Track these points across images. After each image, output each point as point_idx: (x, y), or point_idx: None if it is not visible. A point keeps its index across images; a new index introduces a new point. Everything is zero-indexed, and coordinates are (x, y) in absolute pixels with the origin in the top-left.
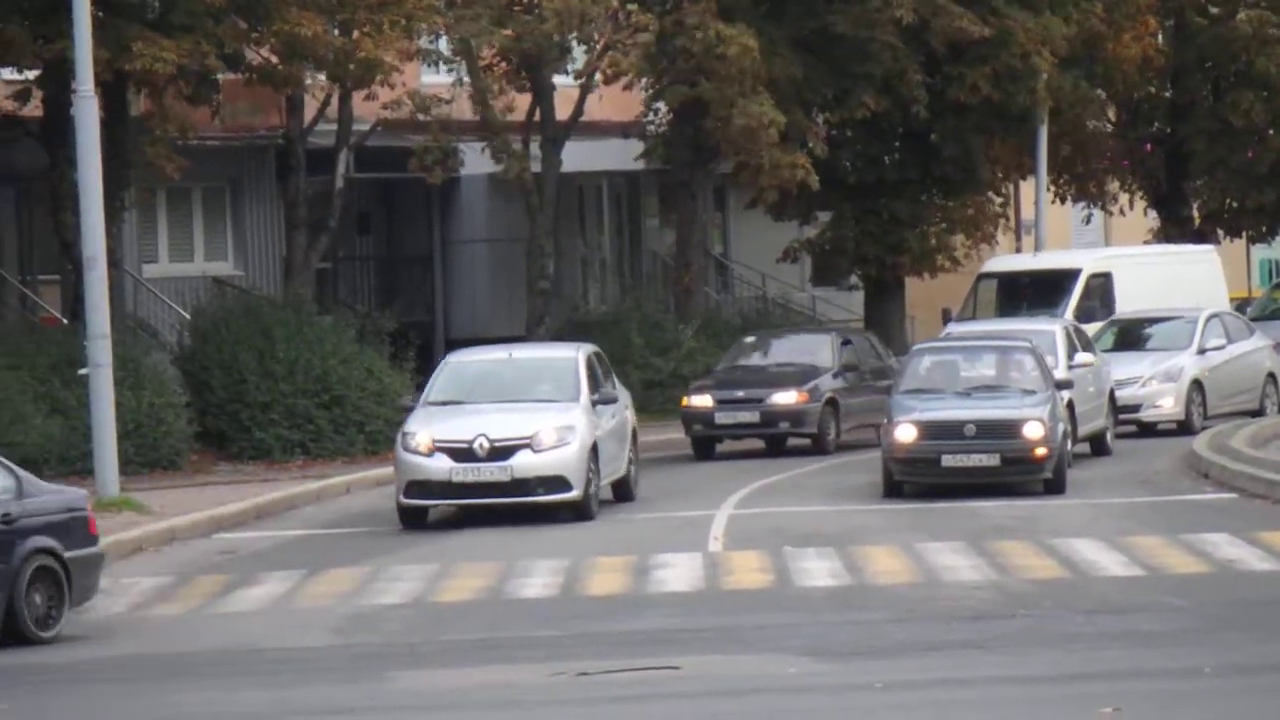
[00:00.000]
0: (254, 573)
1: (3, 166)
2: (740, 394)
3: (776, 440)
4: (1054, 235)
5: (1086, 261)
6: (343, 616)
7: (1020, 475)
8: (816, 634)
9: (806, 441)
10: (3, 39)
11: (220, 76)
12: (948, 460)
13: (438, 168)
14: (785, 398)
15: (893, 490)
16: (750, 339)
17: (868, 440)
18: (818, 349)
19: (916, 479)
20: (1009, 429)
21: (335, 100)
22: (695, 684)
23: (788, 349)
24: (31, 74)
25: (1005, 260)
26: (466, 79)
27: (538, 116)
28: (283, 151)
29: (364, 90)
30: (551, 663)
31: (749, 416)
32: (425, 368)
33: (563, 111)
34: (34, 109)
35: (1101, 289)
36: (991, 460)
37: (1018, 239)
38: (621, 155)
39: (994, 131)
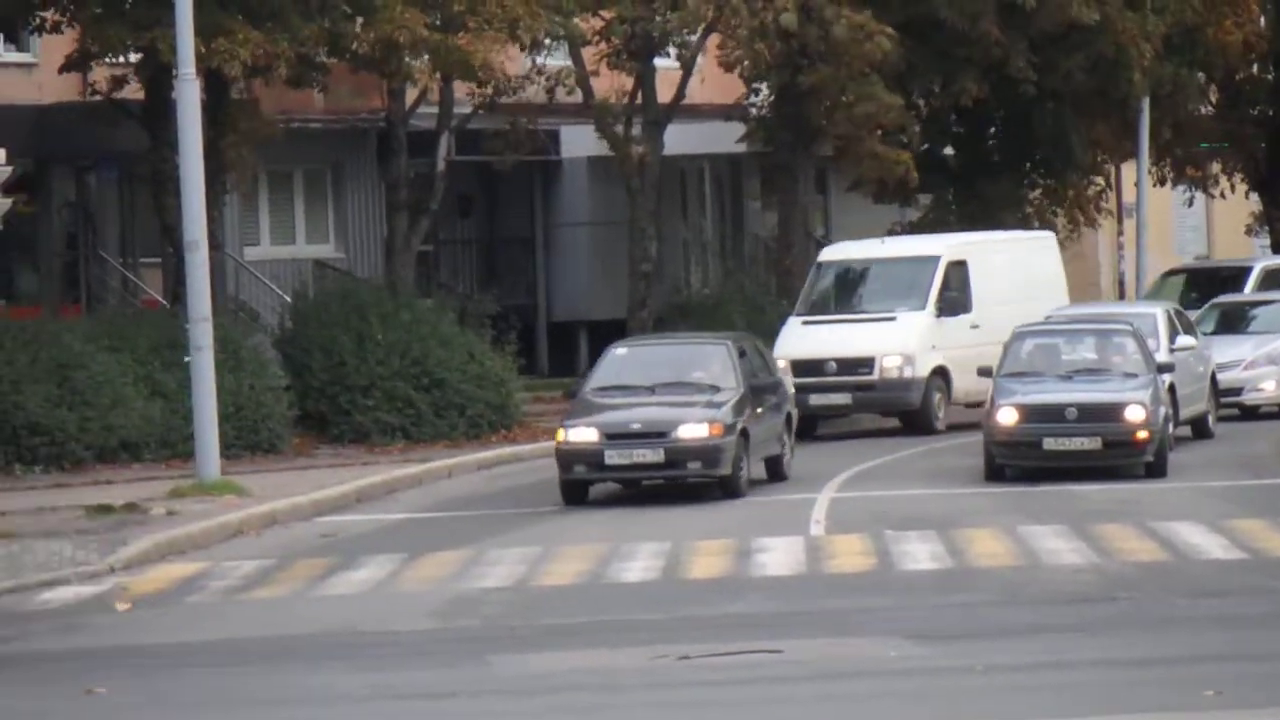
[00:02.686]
0: (355, 556)
1: (105, 148)
2: (636, 426)
3: (635, 482)
4: (1155, 218)
5: (943, 248)
6: (443, 600)
7: (1122, 459)
8: (918, 617)
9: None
10: (100, 32)
11: (324, 60)
12: (1049, 443)
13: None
14: (695, 431)
15: (994, 473)
16: (621, 350)
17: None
18: (710, 363)
19: (1018, 462)
20: (1110, 412)
21: (438, 84)
22: (797, 667)
23: (673, 363)
24: (131, 57)
25: (846, 247)
26: (569, 61)
27: (640, 99)
28: (384, 134)
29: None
30: (653, 646)
31: (649, 455)
32: (527, 351)
33: (664, 94)
34: (135, 90)
35: (960, 278)
36: (1093, 444)
37: (1119, 222)
38: (723, 138)
39: (1094, 114)
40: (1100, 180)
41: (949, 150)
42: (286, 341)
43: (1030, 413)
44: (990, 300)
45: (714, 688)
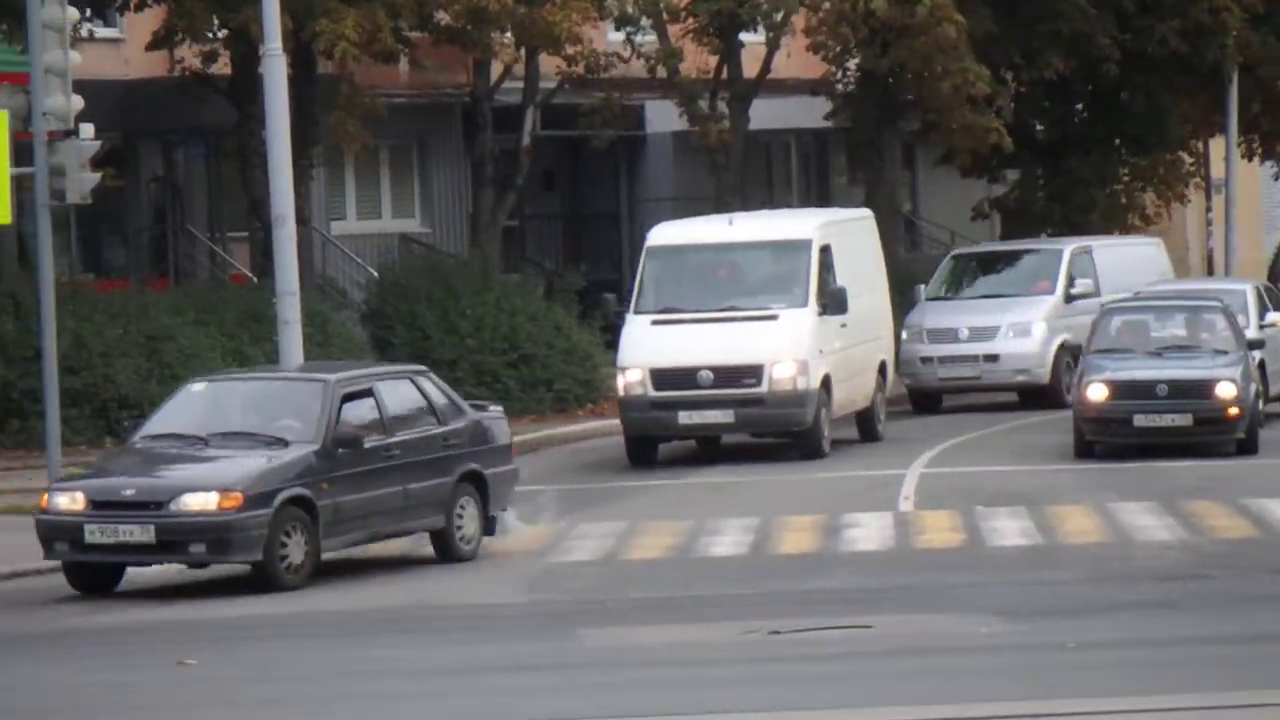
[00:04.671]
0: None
1: (192, 124)
2: (129, 493)
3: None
4: (1244, 194)
5: (811, 231)
6: (532, 574)
7: (1212, 435)
8: (1008, 593)
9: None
10: (186, 12)
11: (409, 34)
12: (1140, 420)
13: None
14: (199, 502)
15: (1084, 450)
16: (199, 386)
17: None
18: (297, 408)
19: (1108, 439)
20: (1201, 389)
21: (522, 58)
22: (887, 643)
23: (251, 406)
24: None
25: (684, 228)
26: (653, 37)
27: (725, 74)
28: (469, 109)
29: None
30: (742, 621)
31: (138, 534)
32: (613, 326)
33: (750, 69)
34: (223, 66)
35: (829, 266)
36: (1184, 420)
37: (1208, 198)
38: (809, 113)
39: (1183, 88)
40: (1188, 156)
41: (1038, 126)
42: (371, 316)
43: (1120, 389)
44: (851, 292)
45: (804, 663)
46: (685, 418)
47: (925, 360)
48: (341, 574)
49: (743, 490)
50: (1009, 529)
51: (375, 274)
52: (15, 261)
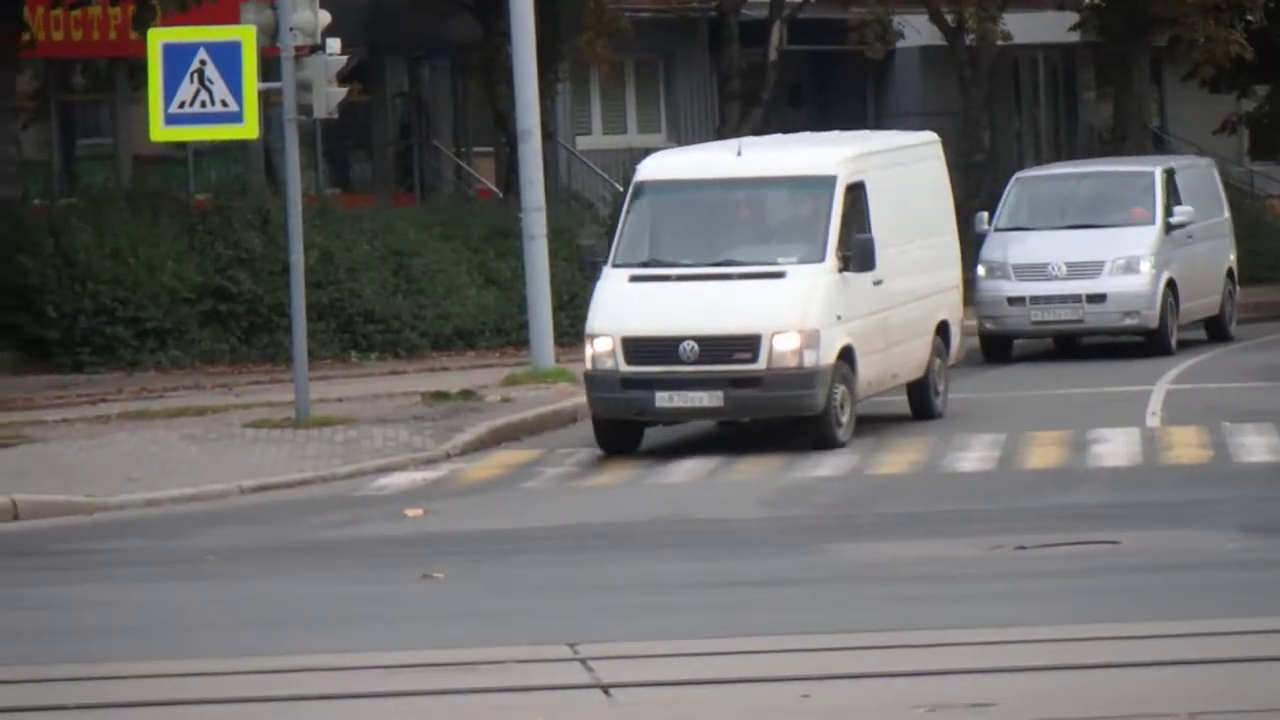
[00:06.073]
0: (688, 444)
1: (437, 39)
2: None
3: None
4: None
5: (836, 164)
6: (775, 489)
7: None
8: (1255, 509)
9: None
10: None
11: None
12: None
13: (877, 42)
14: None
15: None
16: None
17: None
18: None
19: None
20: None
21: None
22: (1134, 558)
23: None
24: None
25: (673, 160)
26: None
27: None
28: (715, 24)
29: None
30: (989, 536)
31: None
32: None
33: None
34: None
35: (859, 209)
36: None
37: None
38: (1057, 27)
39: None
40: None
41: None
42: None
43: None
44: (890, 241)
45: (1051, 578)
46: (663, 399)
47: (1014, 300)
48: (590, 489)
49: (987, 405)
50: (1256, 445)
51: (621, 189)
52: (263, 177)
